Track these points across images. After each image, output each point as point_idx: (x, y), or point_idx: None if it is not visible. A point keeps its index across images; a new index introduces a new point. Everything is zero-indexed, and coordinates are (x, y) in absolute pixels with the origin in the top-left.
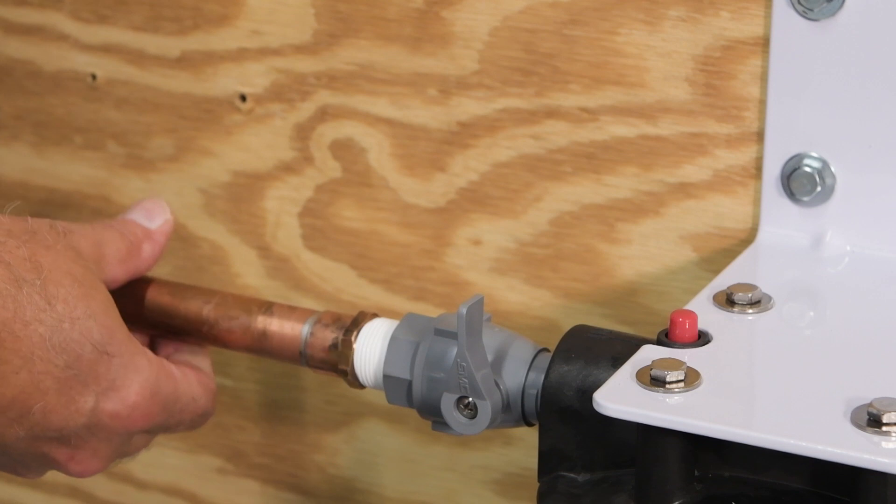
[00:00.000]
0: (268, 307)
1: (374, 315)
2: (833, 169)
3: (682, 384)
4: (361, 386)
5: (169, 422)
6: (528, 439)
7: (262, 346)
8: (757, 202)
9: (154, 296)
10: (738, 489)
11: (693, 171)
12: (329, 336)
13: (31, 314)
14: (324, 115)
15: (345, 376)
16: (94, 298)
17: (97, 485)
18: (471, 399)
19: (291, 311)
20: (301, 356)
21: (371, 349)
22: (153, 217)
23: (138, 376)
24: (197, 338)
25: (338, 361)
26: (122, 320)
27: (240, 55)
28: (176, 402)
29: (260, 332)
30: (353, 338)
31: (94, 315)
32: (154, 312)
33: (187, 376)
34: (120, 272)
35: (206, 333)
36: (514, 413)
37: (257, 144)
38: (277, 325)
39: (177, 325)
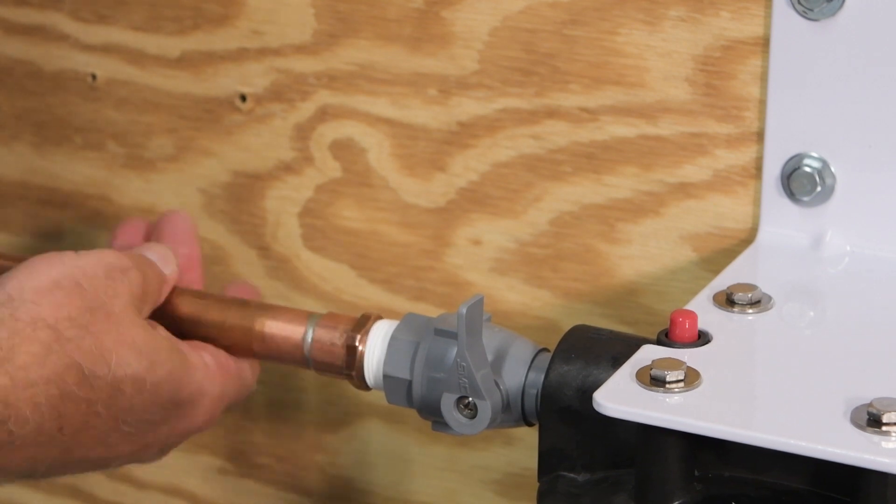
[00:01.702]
0: (269, 310)
1: (379, 317)
2: (833, 169)
3: (682, 384)
4: (368, 388)
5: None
6: (528, 439)
7: (263, 350)
8: (757, 202)
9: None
10: (738, 489)
11: (693, 171)
12: (334, 338)
13: (103, 410)
14: (324, 115)
15: (351, 379)
16: (159, 365)
17: (97, 485)
18: (471, 399)
19: (292, 314)
20: (305, 359)
21: (377, 351)
22: (167, 264)
23: (205, 400)
24: (198, 339)
25: (344, 364)
26: (185, 362)
27: (240, 55)
28: (232, 394)
29: (261, 336)
30: (358, 340)
31: (160, 383)
32: (156, 315)
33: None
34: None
35: (208, 337)
36: (514, 413)
37: (257, 144)
38: (279, 329)
39: (178, 328)
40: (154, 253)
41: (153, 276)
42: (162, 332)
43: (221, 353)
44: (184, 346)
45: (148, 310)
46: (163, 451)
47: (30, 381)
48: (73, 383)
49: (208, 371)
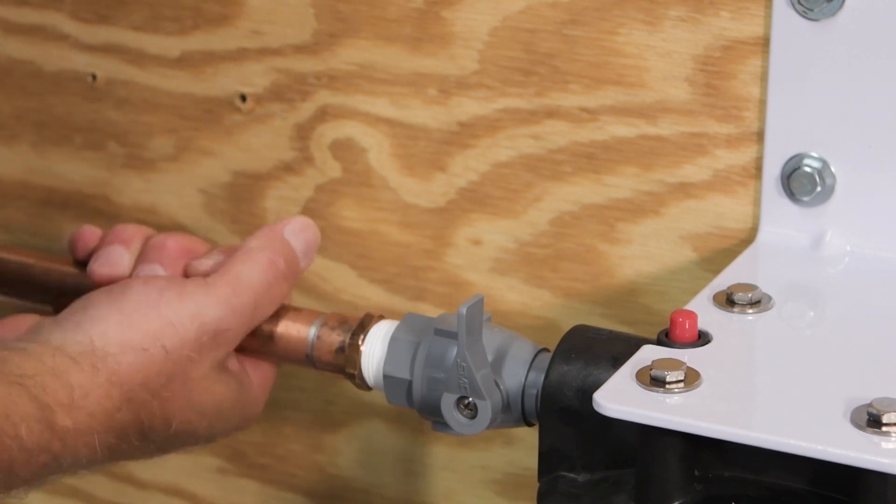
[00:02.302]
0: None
1: (381, 317)
2: (833, 169)
3: (681, 384)
4: (369, 388)
5: None
6: (528, 439)
7: (267, 349)
8: (757, 202)
9: None
10: (738, 489)
11: (693, 171)
12: (336, 339)
13: (155, 449)
14: (324, 115)
15: (353, 379)
16: (221, 421)
17: (97, 485)
18: (471, 399)
19: (297, 314)
20: (307, 359)
21: (377, 351)
22: (301, 233)
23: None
24: None
25: (345, 364)
26: (245, 408)
27: (240, 55)
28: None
29: (266, 335)
30: (360, 341)
31: (215, 435)
32: None
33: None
34: None
35: None
36: (514, 413)
37: (257, 144)
38: (283, 328)
39: None
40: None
41: (256, 315)
42: (233, 384)
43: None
44: (252, 385)
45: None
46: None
47: (92, 428)
48: (133, 436)
49: (264, 392)
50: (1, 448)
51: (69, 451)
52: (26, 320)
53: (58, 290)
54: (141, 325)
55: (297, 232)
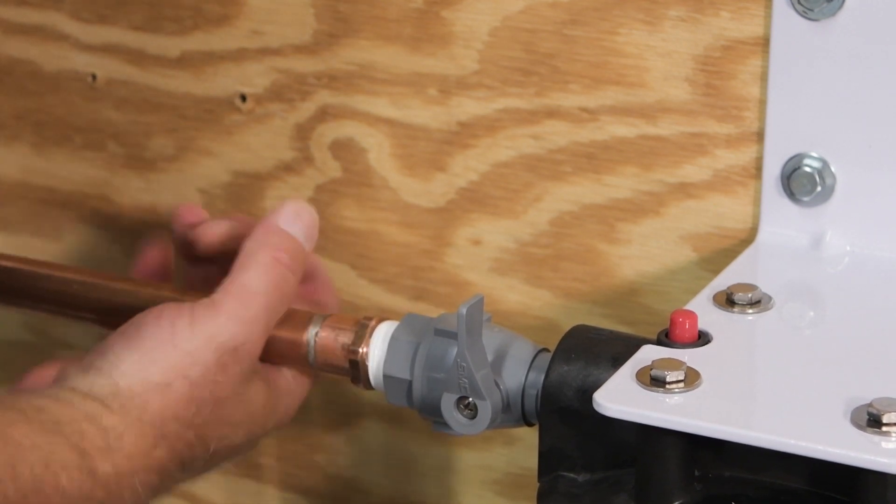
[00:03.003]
0: None
1: (382, 318)
2: (833, 169)
3: (682, 384)
4: (370, 388)
5: None
6: (528, 439)
7: (267, 352)
8: (757, 202)
9: (159, 298)
10: (738, 489)
11: (693, 171)
12: (337, 340)
13: (198, 467)
14: (324, 115)
15: (357, 382)
16: (257, 430)
17: None
18: (471, 399)
19: (296, 315)
20: (307, 360)
21: (378, 352)
22: (297, 218)
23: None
24: None
25: (346, 366)
26: (276, 415)
27: (240, 55)
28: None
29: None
30: (361, 343)
31: (254, 440)
32: None
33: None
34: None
35: None
36: (514, 413)
37: (257, 144)
38: (282, 330)
39: None
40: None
41: (280, 299)
42: (261, 388)
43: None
44: (280, 399)
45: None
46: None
47: (133, 470)
48: (174, 470)
49: (293, 398)
50: (43, 500)
51: (113, 497)
52: (50, 370)
53: (106, 308)
54: (160, 362)
55: (293, 218)
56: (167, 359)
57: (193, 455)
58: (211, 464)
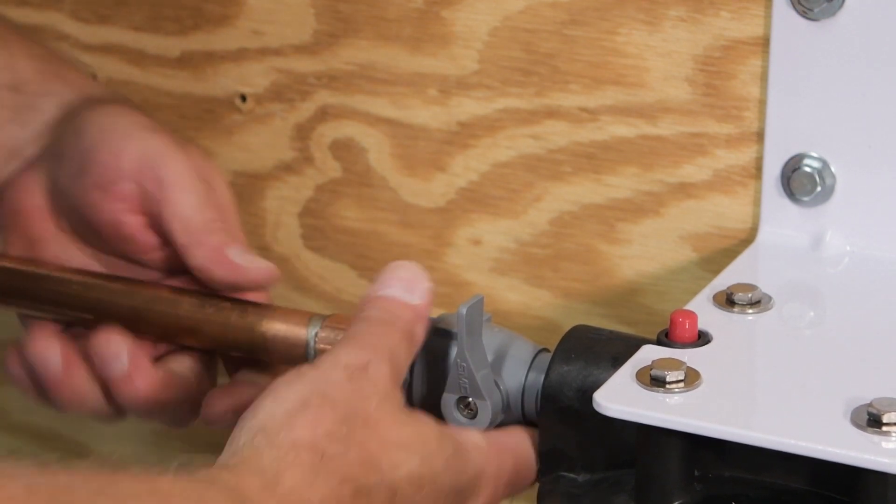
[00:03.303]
0: (271, 311)
1: None
2: (833, 169)
3: (682, 384)
4: None
5: None
6: None
7: (266, 353)
8: (757, 202)
9: (157, 298)
10: (738, 489)
11: (693, 171)
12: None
13: None
14: (324, 115)
15: None
16: (433, 456)
17: None
18: (471, 399)
19: (295, 315)
20: (308, 361)
21: None
22: (414, 289)
23: (484, 481)
24: (201, 345)
25: None
26: (458, 448)
27: (240, 55)
28: (509, 470)
29: (263, 338)
30: None
31: (438, 474)
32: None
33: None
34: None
35: (208, 340)
36: (514, 413)
37: (257, 144)
38: (282, 331)
39: (177, 336)
40: (392, 287)
41: (398, 349)
42: (424, 419)
43: (492, 432)
44: (451, 429)
45: (400, 389)
46: None
47: (303, 501)
48: (349, 497)
49: (481, 451)
50: None
51: None
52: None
53: (106, 308)
54: (295, 393)
55: (410, 287)
56: (300, 387)
57: (366, 479)
58: (395, 496)
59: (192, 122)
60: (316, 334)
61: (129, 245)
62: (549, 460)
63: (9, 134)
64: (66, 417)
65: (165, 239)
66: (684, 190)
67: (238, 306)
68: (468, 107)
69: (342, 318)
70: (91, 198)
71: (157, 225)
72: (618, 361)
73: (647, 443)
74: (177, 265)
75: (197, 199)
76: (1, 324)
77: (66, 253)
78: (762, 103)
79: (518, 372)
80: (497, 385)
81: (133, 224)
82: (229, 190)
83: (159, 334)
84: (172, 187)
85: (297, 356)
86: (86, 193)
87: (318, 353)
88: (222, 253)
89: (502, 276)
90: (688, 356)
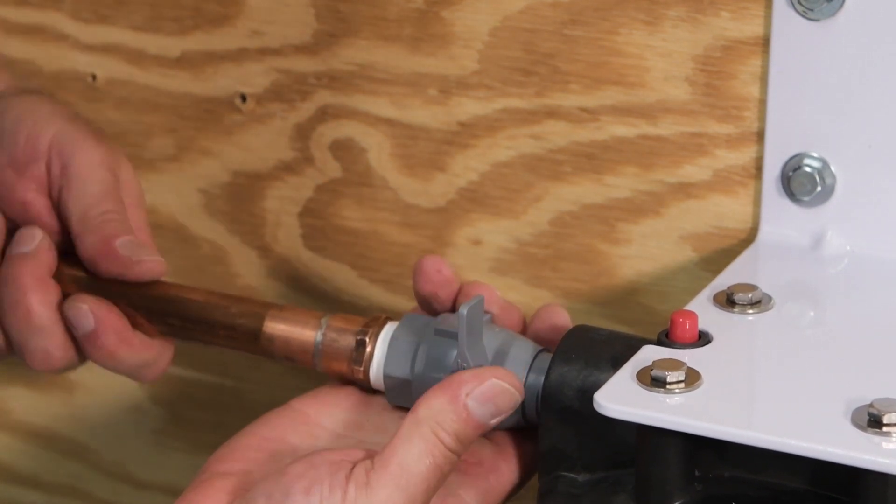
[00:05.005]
0: (277, 310)
1: (387, 319)
2: (833, 169)
3: (682, 384)
4: (374, 389)
5: None
6: None
7: (272, 351)
8: (757, 202)
9: (161, 294)
10: (738, 489)
11: (693, 171)
12: (344, 342)
13: None
14: (324, 115)
15: (357, 381)
16: None
17: (95, 484)
18: None
19: (300, 315)
20: (313, 361)
21: (379, 352)
22: (491, 400)
23: None
24: (204, 341)
25: (353, 369)
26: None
27: (240, 55)
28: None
29: (269, 338)
30: (367, 344)
31: None
32: (159, 314)
33: None
34: None
35: (215, 338)
36: (514, 413)
37: (257, 144)
38: (288, 331)
39: (182, 327)
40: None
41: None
42: None
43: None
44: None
45: None
46: None
47: None
48: None
49: None
50: None
51: None
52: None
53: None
54: None
55: (486, 398)
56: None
57: None
58: None
59: (192, 122)
60: (322, 335)
61: (35, 225)
62: (549, 460)
63: None
64: (66, 417)
65: (65, 224)
66: (684, 190)
67: (246, 303)
68: (468, 107)
69: (346, 318)
70: (4, 175)
71: (59, 210)
72: (618, 362)
73: (647, 443)
74: (73, 251)
75: (97, 190)
76: None
77: None
78: (762, 103)
79: (518, 372)
80: None
81: (39, 205)
82: (138, 184)
83: (167, 332)
84: (76, 176)
85: (304, 356)
86: (1, 171)
87: (324, 354)
88: (110, 245)
89: (502, 276)
90: (688, 356)
